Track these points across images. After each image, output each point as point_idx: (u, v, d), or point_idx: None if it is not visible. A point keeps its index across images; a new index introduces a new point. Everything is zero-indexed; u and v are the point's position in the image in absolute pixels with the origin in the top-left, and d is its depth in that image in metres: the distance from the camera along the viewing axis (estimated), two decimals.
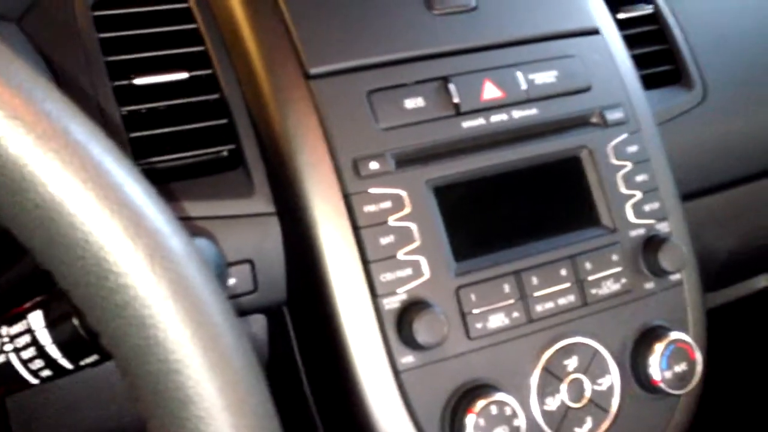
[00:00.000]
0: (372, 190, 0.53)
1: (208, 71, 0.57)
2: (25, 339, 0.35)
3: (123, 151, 0.26)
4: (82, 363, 0.36)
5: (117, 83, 0.55)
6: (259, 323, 0.59)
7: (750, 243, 0.78)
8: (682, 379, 0.57)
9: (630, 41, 0.69)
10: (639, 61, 0.68)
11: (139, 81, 0.56)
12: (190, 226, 0.50)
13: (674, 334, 0.57)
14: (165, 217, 0.25)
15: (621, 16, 0.71)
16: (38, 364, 0.35)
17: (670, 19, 0.73)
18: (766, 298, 0.90)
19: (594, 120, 0.61)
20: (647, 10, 0.73)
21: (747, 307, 0.92)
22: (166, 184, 0.54)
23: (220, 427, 0.25)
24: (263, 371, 0.61)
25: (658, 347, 0.56)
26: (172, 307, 0.24)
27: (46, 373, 0.36)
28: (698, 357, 0.57)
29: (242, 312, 0.56)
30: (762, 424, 1.03)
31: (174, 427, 0.24)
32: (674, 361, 0.56)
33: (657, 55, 0.72)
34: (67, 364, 0.36)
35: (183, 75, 0.57)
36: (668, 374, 0.56)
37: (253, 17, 0.56)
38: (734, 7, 0.78)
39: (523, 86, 0.59)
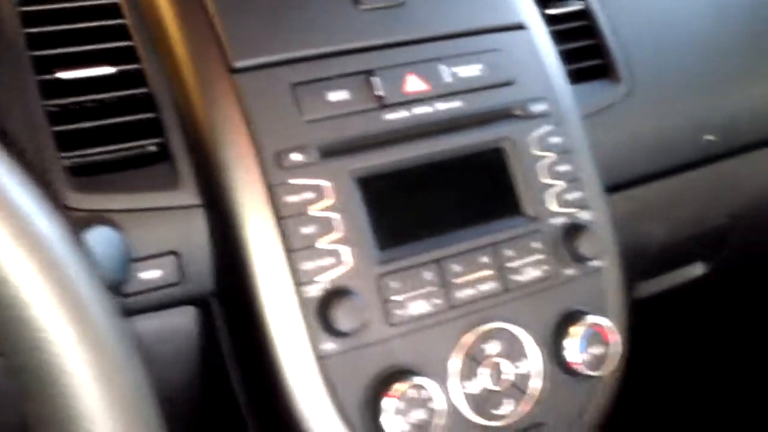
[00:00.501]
0: (293, 181, 0.54)
1: (136, 66, 0.58)
2: None
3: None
4: None
5: (42, 77, 0.56)
6: (188, 315, 0.60)
7: (679, 233, 0.80)
8: (599, 361, 0.59)
9: (560, 36, 0.71)
10: (568, 56, 0.70)
11: (63, 75, 0.56)
12: (94, 217, 0.51)
13: (591, 318, 0.59)
14: (33, 200, 0.26)
15: (551, 11, 0.73)
16: None
17: (600, 15, 0.75)
18: (702, 286, 0.92)
19: (517, 112, 0.63)
20: (577, 6, 0.75)
21: (685, 294, 0.94)
22: (93, 176, 0.55)
23: (88, 402, 0.25)
24: (195, 363, 0.62)
25: (576, 330, 0.58)
26: (36, 286, 0.25)
27: None
28: (615, 340, 0.59)
29: (170, 303, 0.57)
30: (693, 409, 1.06)
31: (42, 404, 0.25)
32: (591, 344, 0.58)
33: (586, 50, 0.74)
34: None
35: (109, 69, 0.57)
36: (585, 356, 0.58)
37: (178, 12, 0.57)
38: (663, 4, 0.80)
39: (447, 79, 0.60)
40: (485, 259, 0.58)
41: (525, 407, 0.58)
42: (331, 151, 0.56)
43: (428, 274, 0.56)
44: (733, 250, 0.87)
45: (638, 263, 0.78)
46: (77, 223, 0.43)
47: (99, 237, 0.37)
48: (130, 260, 0.42)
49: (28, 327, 0.25)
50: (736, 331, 1.07)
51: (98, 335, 0.26)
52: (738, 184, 0.81)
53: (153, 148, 0.58)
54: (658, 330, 0.94)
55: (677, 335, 1.05)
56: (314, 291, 0.53)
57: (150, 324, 0.56)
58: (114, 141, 0.57)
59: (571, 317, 0.59)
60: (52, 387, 0.25)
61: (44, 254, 0.25)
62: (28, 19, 0.57)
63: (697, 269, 0.89)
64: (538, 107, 0.63)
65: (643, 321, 0.68)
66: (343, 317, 0.52)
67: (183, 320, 0.59)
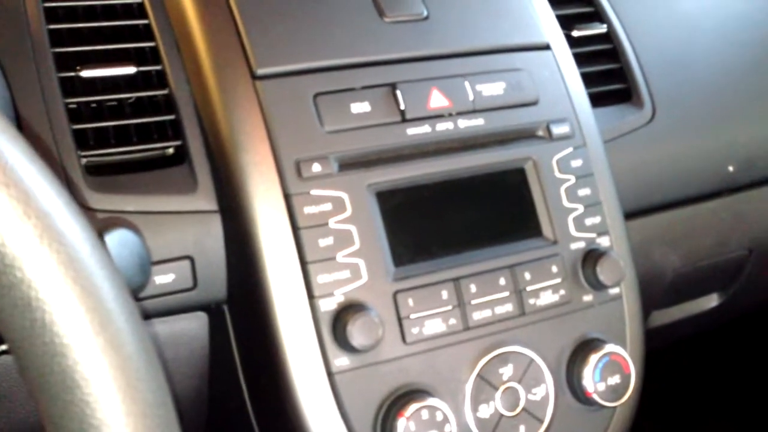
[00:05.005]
0: (313, 192, 0.53)
1: (158, 67, 0.58)
2: None
3: (15, 130, 0.25)
4: None
5: (63, 75, 0.55)
6: (200, 321, 0.59)
7: (696, 263, 0.79)
8: (615, 392, 0.57)
9: (583, 59, 0.70)
10: (591, 79, 0.69)
11: (86, 73, 0.56)
12: (114, 218, 0.50)
13: (609, 347, 0.58)
14: (59, 200, 0.25)
15: (575, 33, 0.73)
16: None
17: (623, 39, 0.75)
18: (716, 317, 0.91)
19: (539, 133, 0.62)
20: (601, 29, 0.75)
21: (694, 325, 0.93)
22: (111, 176, 0.54)
23: (107, 414, 0.24)
24: (205, 369, 0.60)
25: (593, 359, 0.57)
26: (59, 289, 0.24)
27: None
28: (633, 370, 0.58)
29: (182, 309, 0.56)
30: None
31: (59, 411, 0.24)
32: (608, 374, 0.57)
33: (609, 74, 0.73)
34: None
35: (130, 69, 0.57)
36: (601, 386, 0.57)
37: (203, 15, 0.56)
38: (686, 30, 0.79)
39: (470, 96, 0.59)
40: (502, 281, 0.57)
41: None
42: (350, 163, 0.55)
43: (444, 293, 0.55)
44: (749, 282, 0.85)
45: (653, 292, 0.77)
46: (96, 224, 0.42)
47: (118, 239, 0.36)
48: (150, 264, 0.41)
49: (51, 331, 0.24)
50: (742, 362, 1.05)
51: (123, 343, 0.25)
52: (758, 215, 0.80)
53: (171, 151, 0.57)
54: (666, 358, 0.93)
55: (684, 362, 1.03)
56: (329, 305, 0.52)
57: (160, 328, 0.55)
58: (132, 142, 0.56)
59: (587, 344, 0.58)
60: (70, 395, 0.24)
61: (69, 257, 0.24)
62: (52, 16, 0.57)
63: (711, 300, 0.88)
64: (560, 129, 0.62)
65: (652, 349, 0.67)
66: (358, 333, 0.51)
67: (194, 326, 0.58)
